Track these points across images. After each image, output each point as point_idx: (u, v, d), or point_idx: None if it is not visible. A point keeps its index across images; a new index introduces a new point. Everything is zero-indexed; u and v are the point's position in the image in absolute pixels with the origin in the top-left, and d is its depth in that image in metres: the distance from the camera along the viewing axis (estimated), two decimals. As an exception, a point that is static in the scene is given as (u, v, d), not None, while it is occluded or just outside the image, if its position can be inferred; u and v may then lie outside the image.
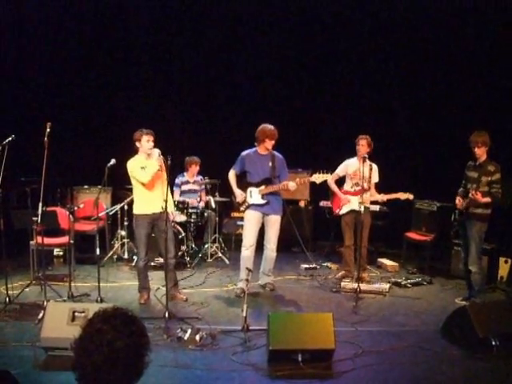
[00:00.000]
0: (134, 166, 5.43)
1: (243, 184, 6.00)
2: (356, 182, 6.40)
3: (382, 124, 8.21)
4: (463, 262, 5.79)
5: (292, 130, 8.31)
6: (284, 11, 8.63)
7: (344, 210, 6.48)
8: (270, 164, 5.88)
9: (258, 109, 8.34)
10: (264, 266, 6.06)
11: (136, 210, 5.53)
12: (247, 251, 5.85)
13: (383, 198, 6.36)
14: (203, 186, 7.74)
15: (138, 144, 5.46)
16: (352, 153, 6.54)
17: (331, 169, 5.97)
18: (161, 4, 8.57)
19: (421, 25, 8.20)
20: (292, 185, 5.77)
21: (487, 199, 5.26)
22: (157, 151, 5.32)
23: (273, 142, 5.85)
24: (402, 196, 6.23)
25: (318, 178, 5.76)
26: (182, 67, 8.79)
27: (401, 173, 7.87)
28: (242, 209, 5.98)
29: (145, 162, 5.42)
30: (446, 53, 8.09)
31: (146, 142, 5.40)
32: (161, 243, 5.36)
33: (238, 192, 5.95)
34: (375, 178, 6.49)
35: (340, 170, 6.57)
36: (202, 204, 7.62)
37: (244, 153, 6.00)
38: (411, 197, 6.25)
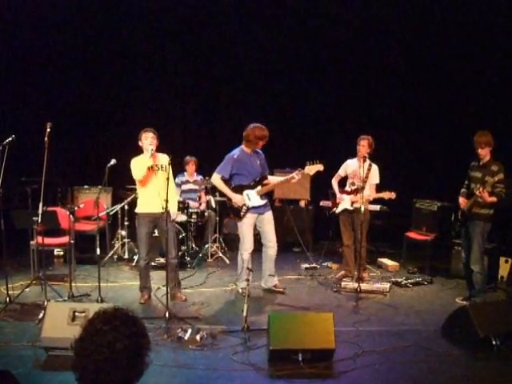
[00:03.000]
0: (133, 164, 5.48)
1: (233, 188, 5.77)
2: (352, 182, 6.44)
3: (382, 123, 8.19)
4: (464, 261, 5.78)
5: (291, 129, 8.32)
6: (284, 11, 8.62)
7: (339, 209, 6.51)
8: (258, 162, 5.82)
9: (258, 108, 8.34)
10: (266, 266, 5.95)
11: (137, 209, 5.58)
12: (249, 254, 5.80)
13: (369, 197, 6.33)
14: (203, 186, 7.74)
15: (140, 143, 5.46)
16: (349, 153, 6.53)
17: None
18: (161, 3, 8.57)
19: (424, 23, 8.20)
20: (297, 177, 5.73)
21: (493, 198, 5.26)
22: (150, 150, 5.31)
23: (264, 143, 5.78)
24: (386, 195, 6.20)
25: (310, 169, 5.67)
26: (183, 67, 8.79)
27: (401, 172, 7.86)
28: (241, 214, 5.74)
29: (147, 162, 5.40)
30: (448, 50, 8.09)
31: (144, 139, 5.41)
32: (163, 243, 5.44)
33: (237, 196, 5.72)
34: (375, 179, 6.41)
35: (341, 171, 6.61)
36: (202, 206, 7.67)
37: (235, 155, 5.74)
38: (393, 196, 6.16)
